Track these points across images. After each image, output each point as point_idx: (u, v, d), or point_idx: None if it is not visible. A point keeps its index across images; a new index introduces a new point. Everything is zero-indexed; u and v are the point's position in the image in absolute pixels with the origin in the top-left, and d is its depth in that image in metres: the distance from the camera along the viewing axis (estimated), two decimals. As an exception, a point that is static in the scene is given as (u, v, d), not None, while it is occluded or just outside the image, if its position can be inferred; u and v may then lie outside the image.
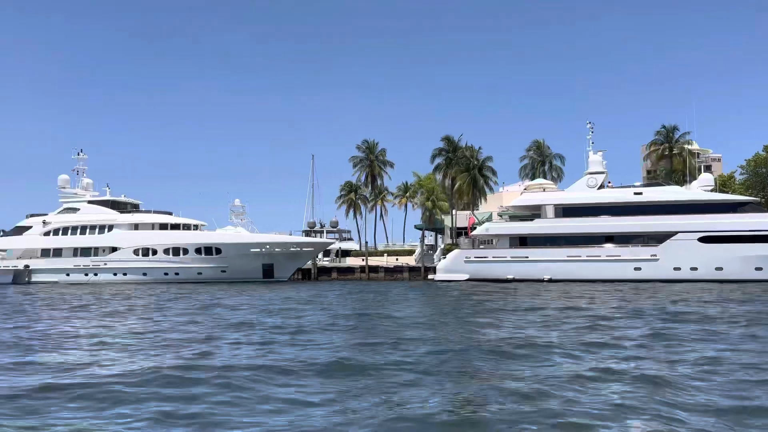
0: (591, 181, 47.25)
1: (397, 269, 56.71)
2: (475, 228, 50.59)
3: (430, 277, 51.20)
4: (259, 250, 52.62)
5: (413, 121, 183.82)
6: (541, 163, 61.18)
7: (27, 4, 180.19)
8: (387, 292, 34.94)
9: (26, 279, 55.05)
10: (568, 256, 46.02)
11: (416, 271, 55.49)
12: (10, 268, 54.70)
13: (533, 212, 49.14)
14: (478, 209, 58.63)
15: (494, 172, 57.44)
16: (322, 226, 73.49)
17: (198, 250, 53.09)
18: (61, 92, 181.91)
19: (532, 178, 59.13)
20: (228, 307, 24.65)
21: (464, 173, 57.19)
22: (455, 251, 49.92)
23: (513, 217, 50.85)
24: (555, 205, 47.43)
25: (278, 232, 59.94)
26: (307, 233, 70.81)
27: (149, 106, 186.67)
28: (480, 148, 57.97)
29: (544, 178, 57.83)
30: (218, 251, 52.89)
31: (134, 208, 59.36)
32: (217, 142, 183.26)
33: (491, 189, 58.19)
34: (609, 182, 48.71)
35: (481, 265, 47.93)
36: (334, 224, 73.77)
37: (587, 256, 45.73)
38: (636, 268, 44.24)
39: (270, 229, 67.79)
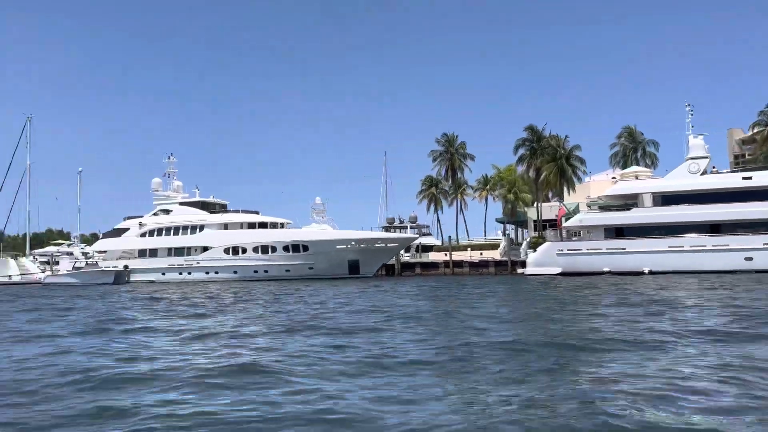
0: (693, 167, 44.57)
1: (483, 264, 55.69)
2: (565, 220, 48.91)
3: (519, 271, 49.91)
4: (345, 246, 53.00)
5: (486, 113, 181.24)
6: (633, 150, 58.48)
7: (132, 7, 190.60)
8: (484, 286, 34.15)
9: (126, 279, 57.71)
10: (669, 247, 43.67)
11: (502, 265, 54.31)
12: (111, 268, 57.47)
13: (626, 202, 47.00)
14: (563, 200, 56.78)
15: (582, 161, 55.49)
16: (401, 222, 73.33)
17: (286, 248, 54.02)
18: (155, 98, 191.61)
19: (624, 166, 56.59)
20: (350, 301, 24.63)
21: (551, 163, 55.52)
22: (546, 244, 48.42)
23: (603, 207, 48.83)
24: (653, 193, 45.07)
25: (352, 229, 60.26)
26: (386, 229, 70.88)
27: (220, 107, 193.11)
28: (567, 136, 56.12)
29: (637, 165, 55.16)
30: (305, 248, 53.63)
31: (222, 208, 61.18)
32: (293, 142, 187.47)
33: (579, 179, 56.19)
34: (713, 167, 45.83)
35: (575, 258, 46.25)
36: (413, 219, 73.42)
37: (691, 247, 43.24)
38: (747, 258, 41.41)
39: (345, 226, 68.46)
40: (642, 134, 59.20)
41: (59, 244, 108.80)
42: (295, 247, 53.89)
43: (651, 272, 42.98)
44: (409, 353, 11.01)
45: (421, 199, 64.95)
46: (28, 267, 68.79)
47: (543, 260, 47.19)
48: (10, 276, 64.85)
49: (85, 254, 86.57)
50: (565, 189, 55.73)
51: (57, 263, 77.42)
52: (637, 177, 48.80)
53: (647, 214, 44.85)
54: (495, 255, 57.67)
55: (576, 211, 51.52)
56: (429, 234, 73.73)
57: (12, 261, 67.75)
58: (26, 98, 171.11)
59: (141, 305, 26.07)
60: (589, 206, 50.51)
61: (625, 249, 45.00)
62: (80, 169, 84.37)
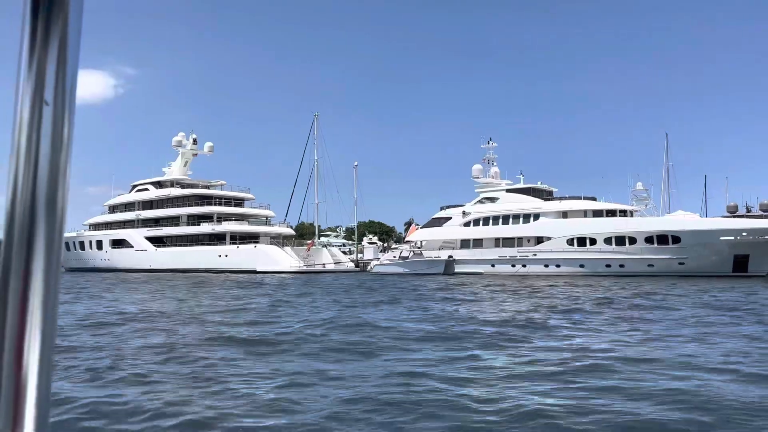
0: None
1: None
2: None
3: None
4: (732, 238, 43.52)
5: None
6: None
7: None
8: None
9: (453, 269, 55.08)
10: None
11: None
12: (441, 259, 55.21)
13: None
14: None
15: None
16: (748, 210, 61.09)
17: (648, 239, 46.28)
18: (470, 84, 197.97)
19: None
20: None
21: None
22: None
23: None
24: None
25: None
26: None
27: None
28: None
29: None
30: (675, 240, 45.30)
31: (549, 195, 55.59)
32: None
33: None
34: None
35: None
36: (766, 207, 60.60)
37: None
38: None
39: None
40: None
41: (327, 235, 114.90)
42: (661, 238, 45.83)
43: None
44: None
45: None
46: (339, 256, 70.93)
47: None
48: (324, 264, 67.05)
49: (374, 243, 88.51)
50: None
51: (361, 252, 79.70)
52: None
53: None
54: None
55: None
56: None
57: (325, 250, 70.38)
58: (314, 96, 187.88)
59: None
60: None
61: None
62: (356, 163, 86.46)
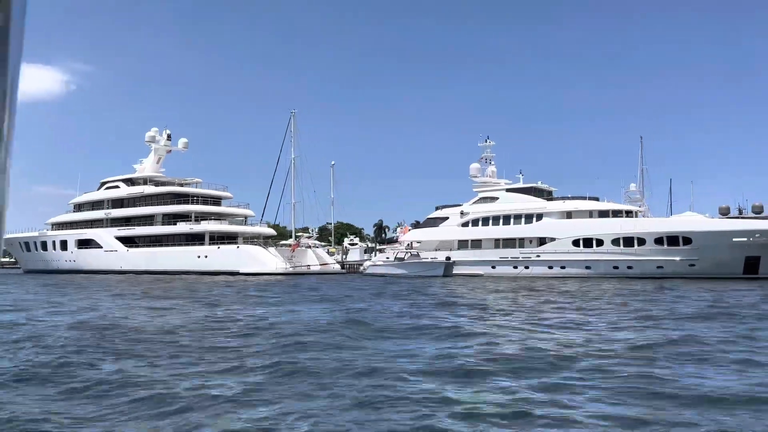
0: None
1: None
2: None
3: None
4: (745, 239, 42.91)
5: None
6: None
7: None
8: None
9: (452, 271, 53.10)
10: None
11: None
12: (440, 260, 53.09)
13: None
14: None
15: None
16: (740, 212, 61.20)
17: (658, 240, 45.32)
18: (453, 87, 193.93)
19: None
20: None
21: None
22: None
23: None
24: None
25: None
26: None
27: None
28: None
29: None
30: (686, 241, 44.43)
31: (549, 195, 54.25)
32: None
33: None
34: None
35: None
36: (758, 209, 60.71)
37: None
38: None
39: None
40: None
41: (299, 236, 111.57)
42: (671, 240, 44.91)
43: None
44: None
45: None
46: (324, 257, 68.15)
47: None
48: (309, 266, 64.22)
49: (356, 245, 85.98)
50: None
51: (347, 253, 77.17)
52: None
53: None
54: None
55: None
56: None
57: (310, 251, 67.48)
58: (290, 94, 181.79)
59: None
60: None
61: None
62: (333, 162, 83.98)
